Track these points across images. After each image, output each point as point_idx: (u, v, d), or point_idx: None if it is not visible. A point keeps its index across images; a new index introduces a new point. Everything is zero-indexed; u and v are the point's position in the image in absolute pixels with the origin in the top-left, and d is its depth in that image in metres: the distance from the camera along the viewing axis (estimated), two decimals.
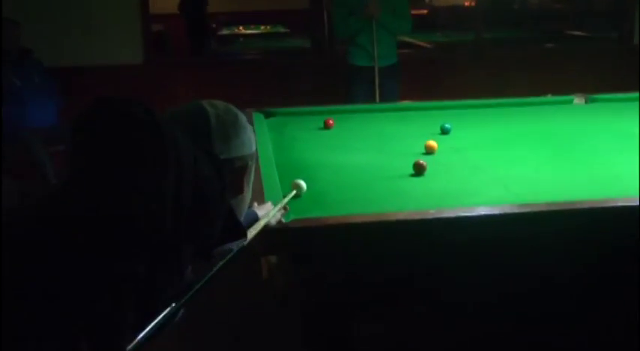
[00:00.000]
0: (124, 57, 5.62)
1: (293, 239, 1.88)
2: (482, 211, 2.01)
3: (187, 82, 5.85)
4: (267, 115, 3.55)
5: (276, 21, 11.08)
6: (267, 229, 1.75)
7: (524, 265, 2.03)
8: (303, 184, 2.21)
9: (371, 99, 4.92)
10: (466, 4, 10.26)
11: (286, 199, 2.00)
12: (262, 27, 11.11)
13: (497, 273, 2.02)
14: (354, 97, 4.97)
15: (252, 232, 1.63)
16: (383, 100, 4.84)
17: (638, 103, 3.86)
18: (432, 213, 1.98)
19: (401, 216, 1.97)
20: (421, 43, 7.52)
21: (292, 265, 1.90)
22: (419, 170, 2.48)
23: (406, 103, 3.82)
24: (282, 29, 10.87)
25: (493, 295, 2.05)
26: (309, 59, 6.24)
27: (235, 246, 1.51)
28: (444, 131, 3.14)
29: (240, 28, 11.11)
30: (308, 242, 1.91)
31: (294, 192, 2.15)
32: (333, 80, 5.77)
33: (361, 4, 4.89)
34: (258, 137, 2.96)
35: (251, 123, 3.20)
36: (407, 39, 8.03)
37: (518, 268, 2.04)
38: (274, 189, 2.22)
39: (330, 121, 3.37)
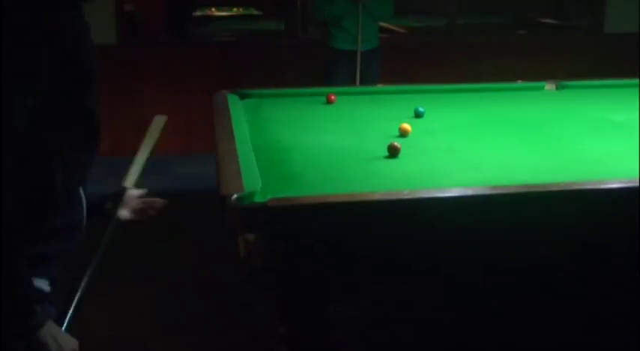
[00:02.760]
0: (96, 37, 5.53)
1: (270, 218, 1.90)
2: (454, 192, 2.05)
3: (162, 64, 5.83)
4: (242, 97, 3.55)
5: (249, 3, 11.01)
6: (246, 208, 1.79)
7: (496, 245, 2.08)
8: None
9: (351, 82, 4.96)
10: None
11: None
12: (235, 9, 11.04)
13: (470, 253, 2.07)
14: (334, 80, 5.00)
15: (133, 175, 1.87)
16: (363, 83, 4.89)
17: (607, 89, 3.96)
18: (406, 194, 2.02)
19: (375, 196, 2.00)
20: (395, 28, 7.54)
21: (269, 243, 1.93)
22: (393, 152, 2.52)
23: (381, 86, 3.85)
24: (255, 11, 10.81)
25: (467, 275, 2.10)
26: (282, 42, 6.24)
27: None
28: (418, 115, 3.18)
29: (213, 9, 11.03)
30: (284, 221, 1.93)
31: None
32: (307, 63, 5.80)
33: None
34: (234, 119, 2.98)
35: (226, 104, 3.24)
36: (381, 24, 8.06)
37: (491, 248, 2.09)
38: (251, 169, 2.24)
39: (332, 97, 3.45)
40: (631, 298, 2.22)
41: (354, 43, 5.01)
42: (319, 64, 5.42)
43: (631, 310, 2.23)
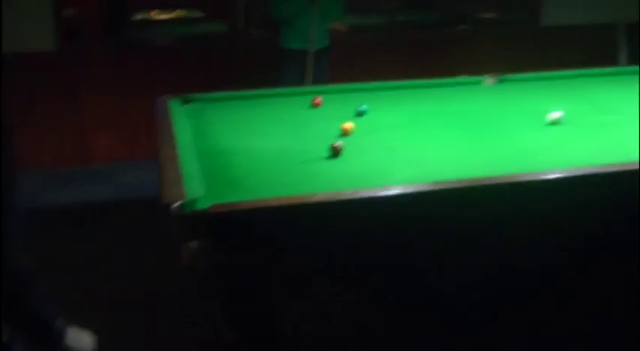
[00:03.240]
0: (36, 45, 5.44)
1: (212, 224, 1.90)
2: (396, 190, 2.07)
3: (105, 70, 5.74)
4: (185, 102, 3.52)
5: (190, 5, 10.91)
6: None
7: (439, 242, 2.12)
8: None
9: (301, 82, 4.97)
10: None
11: None
12: (176, 12, 10.94)
13: (413, 250, 2.10)
14: (285, 80, 5.01)
15: None
16: (315, 82, 4.91)
17: (545, 81, 4.04)
18: (348, 194, 2.03)
19: (317, 198, 2.01)
20: (337, 26, 7.55)
21: (212, 250, 1.93)
22: (335, 152, 2.54)
23: (322, 86, 3.86)
24: (197, 14, 10.72)
25: (410, 272, 2.13)
26: (225, 44, 6.21)
27: None
28: (360, 113, 3.20)
29: (153, 12, 10.91)
30: (227, 227, 1.93)
31: None
32: (252, 64, 5.78)
33: None
34: (176, 124, 2.97)
35: (168, 110, 3.22)
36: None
37: (434, 245, 2.12)
38: (193, 176, 2.25)
39: (318, 100, 3.45)
40: (571, 286, 2.28)
41: (306, 42, 5.03)
42: (265, 65, 5.42)
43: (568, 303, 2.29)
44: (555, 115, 3.06)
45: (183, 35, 8.03)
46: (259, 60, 5.75)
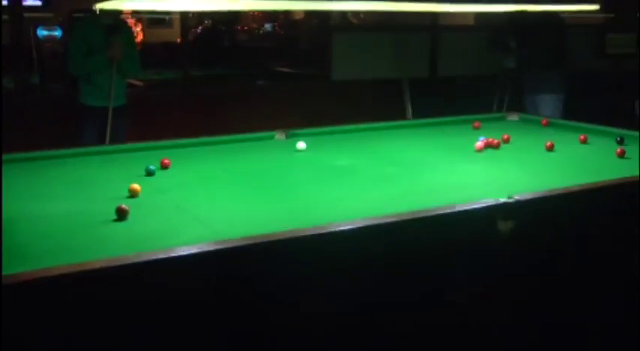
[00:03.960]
0: None
1: None
2: (180, 251, 2.07)
3: None
4: None
5: None
6: None
7: (233, 303, 2.15)
8: None
9: (101, 140, 4.88)
10: (178, 40, 10.41)
11: None
12: None
13: (206, 313, 2.11)
14: (84, 138, 4.90)
15: None
16: (113, 141, 4.84)
17: (332, 135, 4.24)
18: (130, 258, 2.02)
19: (99, 264, 1.97)
20: (133, 81, 7.49)
21: None
22: (121, 215, 2.51)
23: (112, 145, 3.81)
24: None
25: (199, 334, 2.13)
26: (16, 101, 5.96)
27: None
28: (149, 173, 3.19)
29: None
30: (9, 301, 1.85)
31: None
32: (44, 122, 5.60)
33: (100, 42, 4.91)
34: None
35: None
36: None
37: (230, 306, 2.14)
38: None
39: (166, 161, 3.35)
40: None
41: (105, 100, 4.98)
42: (62, 122, 5.27)
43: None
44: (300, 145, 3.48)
45: None
46: (55, 117, 5.58)
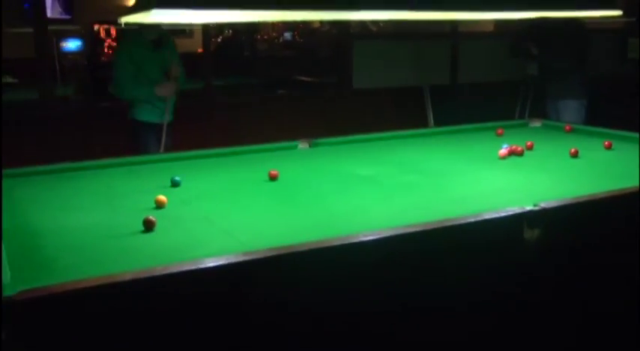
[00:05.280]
0: None
1: (21, 313, 1.83)
2: (208, 262, 2.08)
3: None
4: None
5: (3, 70, 10.51)
6: None
7: (260, 314, 2.15)
8: None
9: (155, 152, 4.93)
10: (199, 50, 10.46)
11: None
12: None
13: (234, 324, 2.12)
14: (142, 151, 4.98)
15: None
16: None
17: (356, 144, 4.24)
18: (160, 270, 2.03)
19: (129, 276, 1.99)
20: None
21: (24, 342, 1.85)
22: (148, 226, 2.53)
23: (135, 157, 3.83)
24: (10, 79, 10.35)
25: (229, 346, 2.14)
26: (35, 112, 6.01)
27: None
28: (174, 184, 3.21)
29: None
30: (39, 314, 1.87)
31: None
32: (70, 132, 5.65)
33: (147, 59, 5.03)
34: None
35: None
36: None
37: (253, 316, 2.15)
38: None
39: (274, 172, 3.36)
40: None
41: (157, 116, 5.11)
42: (85, 131, 5.32)
43: None
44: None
45: None
46: (78, 128, 5.63)
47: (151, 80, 5.08)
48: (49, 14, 6.49)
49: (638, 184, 2.97)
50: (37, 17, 5.80)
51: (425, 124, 6.90)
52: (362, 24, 8.16)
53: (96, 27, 10.71)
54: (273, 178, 3.34)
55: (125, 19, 2.90)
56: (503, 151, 3.78)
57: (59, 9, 10.44)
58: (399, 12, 3.01)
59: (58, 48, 9.43)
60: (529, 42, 6.48)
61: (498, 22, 8.02)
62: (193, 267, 2.05)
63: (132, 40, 5.21)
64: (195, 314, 2.06)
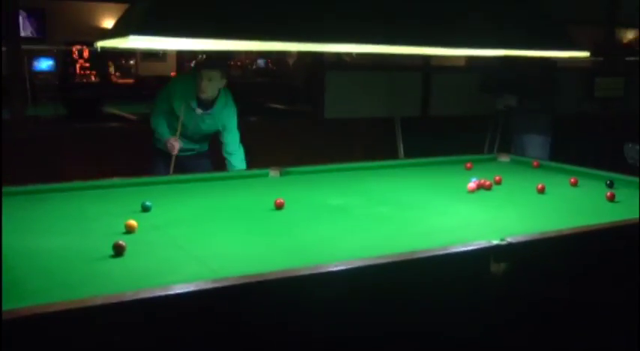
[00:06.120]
0: None
1: None
2: (177, 289, 2.09)
3: None
4: None
5: None
6: None
7: (229, 341, 2.16)
8: None
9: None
10: (172, 74, 10.48)
11: None
12: None
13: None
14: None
15: None
16: None
17: (326, 173, 4.28)
18: (130, 295, 2.03)
19: (99, 300, 1.99)
20: (126, 115, 7.51)
21: None
22: (118, 251, 2.53)
23: (108, 180, 3.82)
24: None
25: None
26: (11, 134, 5.96)
27: None
28: (145, 209, 3.21)
29: None
30: (4, 338, 1.86)
31: None
32: (40, 154, 5.60)
33: (187, 114, 4.77)
34: None
35: None
36: (113, 111, 8.00)
37: (226, 344, 2.16)
38: None
39: (280, 201, 3.35)
40: None
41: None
42: (53, 156, 5.27)
43: None
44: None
45: None
46: (49, 150, 5.59)
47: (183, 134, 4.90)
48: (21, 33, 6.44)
49: (604, 221, 3.03)
50: (10, 35, 5.76)
51: (395, 156, 6.96)
52: (336, 54, 8.24)
53: (70, 48, 10.70)
54: (279, 206, 3.35)
55: (101, 44, 2.91)
56: (471, 184, 3.84)
57: (30, 28, 10.42)
58: (371, 45, 3.07)
59: (29, 67, 9.41)
60: (499, 78, 6.62)
61: (469, 58, 8.15)
62: (164, 293, 2.06)
63: (185, 82, 4.89)
64: (165, 340, 2.06)
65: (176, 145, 4.78)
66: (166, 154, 4.86)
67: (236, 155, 4.96)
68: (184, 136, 4.89)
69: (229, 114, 4.96)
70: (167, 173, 4.71)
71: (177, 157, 4.82)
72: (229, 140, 4.96)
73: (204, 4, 2.63)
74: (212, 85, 4.74)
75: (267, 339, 2.23)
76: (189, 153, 5.02)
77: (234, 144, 4.97)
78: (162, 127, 4.89)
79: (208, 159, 5.18)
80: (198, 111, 4.80)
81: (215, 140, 5.10)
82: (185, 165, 4.89)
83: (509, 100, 6.63)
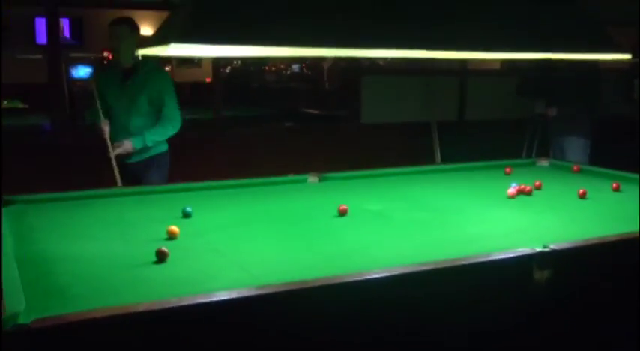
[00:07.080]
0: None
1: (34, 342, 1.84)
2: (220, 295, 2.10)
3: None
4: (6, 204, 3.35)
5: (14, 95, 10.60)
6: None
7: (271, 348, 2.16)
8: None
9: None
10: (207, 80, 10.52)
11: None
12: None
13: None
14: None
15: None
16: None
17: (365, 179, 4.26)
18: (174, 301, 2.05)
19: (143, 306, 2.00)
20: None
21: None
22: (161, 257, 2.55)
23: (147, 187, 3.86)
24: (20, 105, 10.42)
25: None
26: (49, 139, 6.06)
27: None
28: (186, 215, 3.23)
29: None
30: (51, 343, 1.88)
31: None
32: (78, 162, 5.67)
33: (114, 93, 4.71)
34: None
35: None
36: None
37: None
38: (13, 287, 2.16)
39: (343, 207, 3.35)
40: None
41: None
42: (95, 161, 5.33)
43: None
44: None
45: (6, 128, 7.79)
46: (88, 156, 5.65)
47: (118, 119, 4.73)
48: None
49: None
50: (51, 43, 5.85)
51: (432, 160, 6.93)
52: (370, 58, 8.24)
53: (106, 53, 10.82)
54: (342, 213, 3.34)
55: (142, 52, 2.94)
56: (512, 190, 3.81)
57: (66, 35, 10.55)
58: (408, 50, 3.06)
59: (67, 74, 9.53)
60: (537, 82, 6.56)
61: (504, 61, 8.10)
62: (207, 299, 2.07)
63: (107, 66, 4.93)
64: (207, 347, 2.07)
65: (105, 128, 4.58)
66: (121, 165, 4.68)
67: (156, 129, 4.73)
68: (120, 124, 4.70)
69: (160, 78, 4.72)
70: (116, 184, 4.56)
71: (126, 165, 4.69)
72: (163, 112, 4.71)
73: (243, 12, 2.64)
74: (125, 44, 4.53)
75: (308, 346, 2.23)
76: (137, 159, 4.80)
77: (163, 119, 4.73)
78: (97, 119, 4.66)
79: (164, 167, 4.91)
80: (122, 81, 4.62)
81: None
82: (135, 174, 4.74)
83: (539, 109, 6.55)
